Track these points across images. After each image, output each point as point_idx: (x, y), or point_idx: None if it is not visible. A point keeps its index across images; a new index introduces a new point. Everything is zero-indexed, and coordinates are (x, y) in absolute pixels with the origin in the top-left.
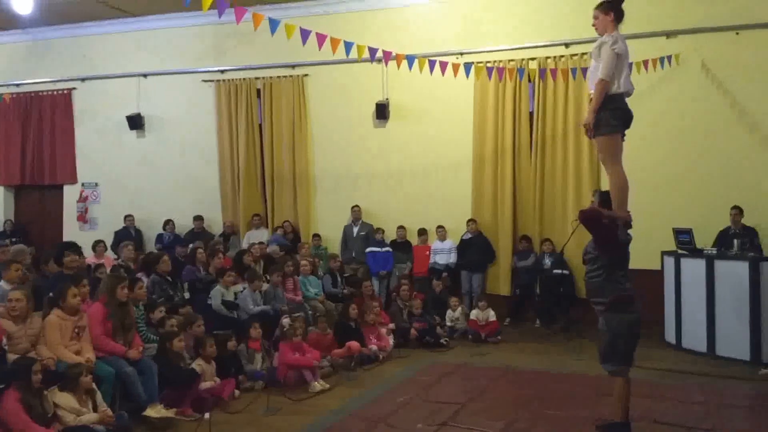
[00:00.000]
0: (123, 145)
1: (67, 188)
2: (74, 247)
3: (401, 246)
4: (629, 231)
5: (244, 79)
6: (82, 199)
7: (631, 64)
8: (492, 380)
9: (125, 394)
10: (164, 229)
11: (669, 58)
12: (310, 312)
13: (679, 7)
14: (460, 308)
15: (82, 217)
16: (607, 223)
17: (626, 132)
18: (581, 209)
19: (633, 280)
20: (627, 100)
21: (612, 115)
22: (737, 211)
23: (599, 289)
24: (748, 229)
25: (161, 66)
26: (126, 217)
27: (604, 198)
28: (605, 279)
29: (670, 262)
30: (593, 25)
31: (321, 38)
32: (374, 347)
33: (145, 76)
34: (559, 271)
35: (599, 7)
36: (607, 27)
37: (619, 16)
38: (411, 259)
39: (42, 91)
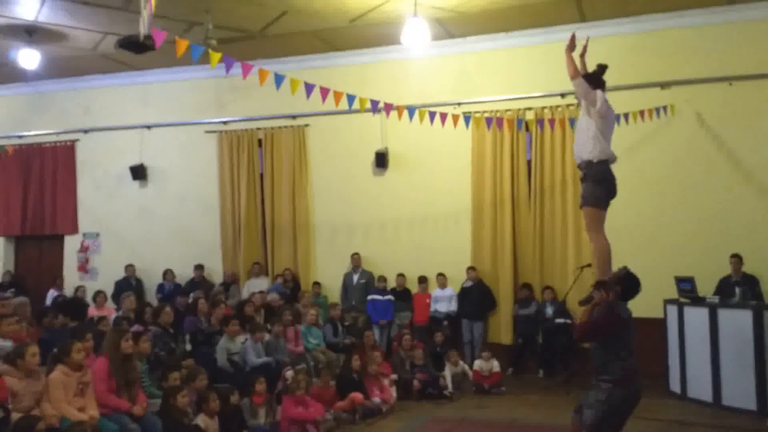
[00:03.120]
0: (125, 196)
1: (67, 239)
2: (79, 308)
3: (401, 294)
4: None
5: (246, 129)
6: (83, 249)
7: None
8: None
9: None
10: (164, 278)
11: (664, 108)
12: (311, 363)
13: (673, 59)
14: (461, 365)
15: (83, 267)
16: (603, 322)
17: (617, 193)
18: (577, 330)
19: (636, 329)
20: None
21: (600, 190)
22: (737, 259)
23: (603, 367)
24: (749, 277)
25: (164, 118)
26: (127, 266)
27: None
28: (606, 356)
29: (673, 310)
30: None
31: (324, 92)
32: (377, 399)
33: (148, 127)
34: (561, 320)
35: None
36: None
37: (597, 87)
38: (411, 308)
39: (45, 143)
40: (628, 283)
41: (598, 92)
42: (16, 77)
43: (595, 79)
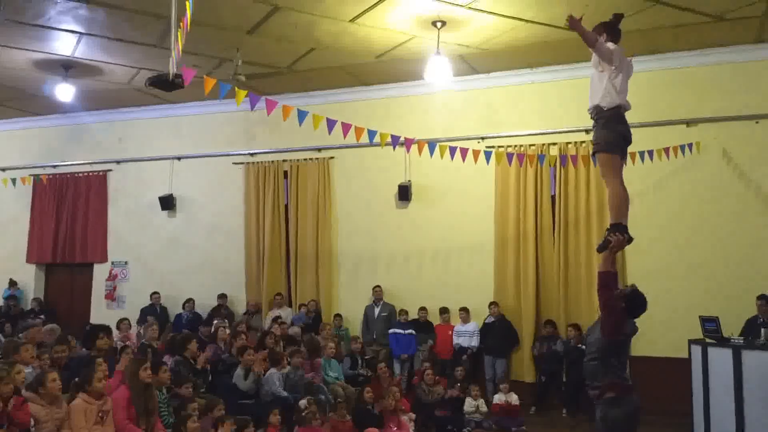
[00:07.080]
0: (153, 225)
1: (97, 267)
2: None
3: (423, 327)
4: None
5: (272, 161)
6: (111, 278)
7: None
8: None
9: None
10: (183, 308)
11: (690, 145)
12: (330, 396)
13: (699, 96)
14: (481, 400)
15: (111, 296)
16: (616, 303)
17: (631, 140)
18: (598, 276)
19: (660, 369)
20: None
21: (609, 134)
22: (764, 301)
23: (594, 374)
24: None
25: (194, 149)
26: (152, 294)
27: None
28: (600, 363)
29: (697, 350)
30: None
31: (346, 127)
32: None
33: (178, 159)
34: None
35: (594, 29)
36: None
37: (613, 38)
38: (433, 338)
39: (78, 173)
40: (634, 301)
41: (616, 49)
42: (53, 109)
43: (612, 28)
